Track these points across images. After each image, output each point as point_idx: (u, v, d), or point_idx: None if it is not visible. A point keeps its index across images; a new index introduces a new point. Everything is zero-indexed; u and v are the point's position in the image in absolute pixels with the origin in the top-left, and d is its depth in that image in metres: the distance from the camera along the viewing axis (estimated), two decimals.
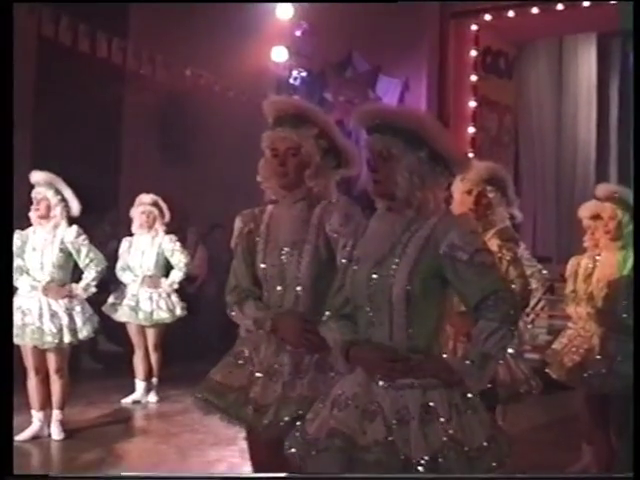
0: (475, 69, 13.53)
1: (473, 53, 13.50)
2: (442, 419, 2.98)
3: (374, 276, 3.13)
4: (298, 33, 12.36)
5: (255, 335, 3.90)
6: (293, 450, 3.23)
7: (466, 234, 3.08)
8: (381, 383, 3.07)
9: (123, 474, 5.28)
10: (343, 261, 3.33)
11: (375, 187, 3.17)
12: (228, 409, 3.79)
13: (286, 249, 3.83)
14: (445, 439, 2.95)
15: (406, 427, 2.98)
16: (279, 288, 3.86)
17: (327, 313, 3.34)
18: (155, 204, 8.44)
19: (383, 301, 3.10)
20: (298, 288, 3.81)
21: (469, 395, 3.09)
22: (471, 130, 13.41)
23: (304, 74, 12.68)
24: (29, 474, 4.27)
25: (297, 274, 3.80)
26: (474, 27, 13.42)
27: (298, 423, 3.36)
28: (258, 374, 3.79)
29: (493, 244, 4.85)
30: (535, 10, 12.50)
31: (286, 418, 3.65)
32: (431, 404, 3.01)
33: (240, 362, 3.88)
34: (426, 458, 2.91)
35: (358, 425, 3.03)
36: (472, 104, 13.48)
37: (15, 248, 6.71)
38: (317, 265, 3.78)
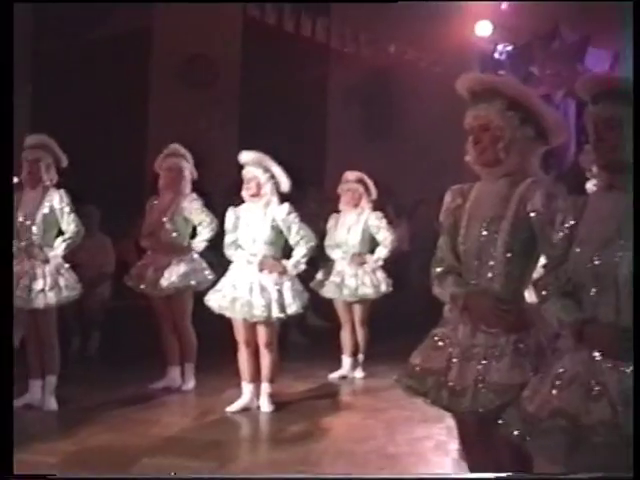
0: None
1: None
2: None
3: (598, 259, 3.02)
4: (503, 6, 12.11)
5: (454, 315, 3.86)
6: (512, 430, 3.16)
7: None
8: (608, 363, 2.97)
9: (131, 475, 5.34)
10: (560, 237, 3.23)
11: (599, 157, 3.08)
12: (427, 393, 3.78)
13: (484, 225, 3.79)
14: None
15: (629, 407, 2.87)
16: (475, 264, 3.82)
17: (543, 292, 3.26)
18: (361, 181, 8.49)
19: (609, 282, 2.99)
20: (492, 264, 3.75)
21: None
22: None
23: (509, 48, 12.45)
24: (29, 474, 4.38)
25: (493, 251, 3.75)
26: None
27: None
28: (455, 357, 3.75)
29: None
30: None
31: (486, 406, 3.60)
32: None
33: (439, 344, 3.85)
34: None
35: (582, 404, 2.95)
36: None
37: (229, 224, 6.97)
38: (513, 242, 3.72)
